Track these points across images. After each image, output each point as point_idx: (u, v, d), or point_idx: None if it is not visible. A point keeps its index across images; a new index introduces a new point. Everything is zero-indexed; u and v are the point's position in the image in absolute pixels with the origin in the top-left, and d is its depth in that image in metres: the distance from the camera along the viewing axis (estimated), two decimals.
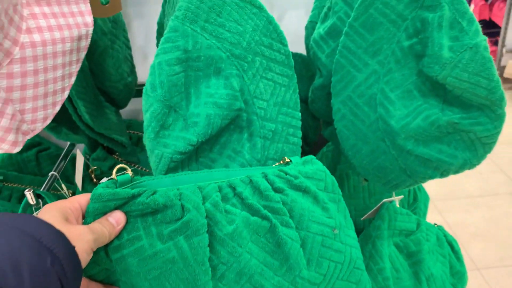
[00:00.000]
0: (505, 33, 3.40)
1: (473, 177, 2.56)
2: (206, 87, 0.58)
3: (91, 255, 0.45)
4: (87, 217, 0.47)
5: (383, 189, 0.79)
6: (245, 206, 0.52)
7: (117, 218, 0.48)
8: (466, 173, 2.48)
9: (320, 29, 0.70)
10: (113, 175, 0.49)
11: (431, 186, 2.52)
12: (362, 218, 0.76)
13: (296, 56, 0.93)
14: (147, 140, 0.59)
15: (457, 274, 0.75)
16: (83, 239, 0.43)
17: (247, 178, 0.55)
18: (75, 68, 0.64)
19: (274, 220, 0.52)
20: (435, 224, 0.84)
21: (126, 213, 0.49)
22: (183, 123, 0.57)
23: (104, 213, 0.48)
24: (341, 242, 0.55)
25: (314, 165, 0.59)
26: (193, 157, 0.59)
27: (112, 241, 0.48)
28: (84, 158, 0.89)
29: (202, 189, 0.51)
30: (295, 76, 0.61)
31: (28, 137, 0.60)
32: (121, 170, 0.50)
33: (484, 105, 0.55)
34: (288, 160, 0.59)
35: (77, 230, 0.44)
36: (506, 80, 3.65)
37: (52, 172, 0.76)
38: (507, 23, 3.38)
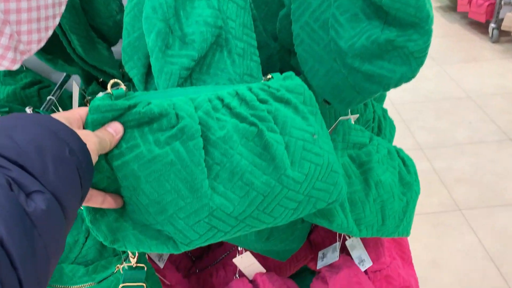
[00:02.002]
0: None
1: (463, 126, 2.61)
2: (192, 8, 0.63)
3: (97, 158, 0.47)
4: (86, 128, 0.49)
5: (344, 113, 0.88)
6: (233, 114, 0.55)
7: (115, 128, 0.50)
8: (456, 122, 2.56)
9: None
10: (108, 89, 0.50)
11: (422, 136, 2.61)
12: None
13: None
14: (155, 61, 0.62)
15: (407, 184, 0.85)
16: (90, 140, 0.45)
17: (233, 91, 0.57)
18: None
19: (261, 126, 0.55)
20: (395, 146, 0.94)
21: (123, 123, 0.50)
22: (180, 43, 0.62)
23: (102, 124, 0.49)
24: (319, 147, 0.58)
25: (294, 80, 0.62)
26: (188, 81, 0.65)
27: (111, 150, 0.50)
28: (79, 89, 0.99)
29: (194, 100, 0.54)
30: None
31: (25, 57, 0.69)
32: (115, 85, 0.51)
33: (414, 23, 0.63)
34: (270, 76, 0.62)
35: (83, 132, 0.46)
36: (503, 33, 3.56)
37: (49, 97, 0.86)
38: None
